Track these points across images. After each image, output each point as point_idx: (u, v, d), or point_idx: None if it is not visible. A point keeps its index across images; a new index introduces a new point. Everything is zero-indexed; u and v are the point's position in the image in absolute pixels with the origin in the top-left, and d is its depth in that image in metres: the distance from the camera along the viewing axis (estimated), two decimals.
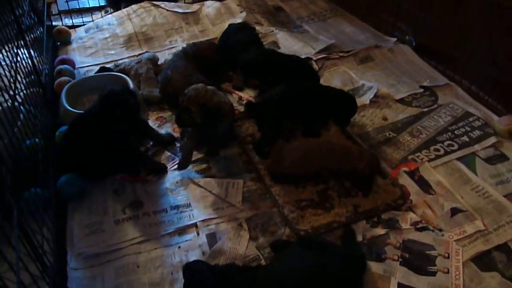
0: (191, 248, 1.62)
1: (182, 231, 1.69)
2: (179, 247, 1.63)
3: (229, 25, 2.77)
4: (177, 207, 1.79)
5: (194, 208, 1.78)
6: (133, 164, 1.94)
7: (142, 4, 3.28)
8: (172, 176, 1.93)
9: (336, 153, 1.82)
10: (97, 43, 3.00)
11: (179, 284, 1.48)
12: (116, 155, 1.85)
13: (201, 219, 1.73)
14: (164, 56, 2.80)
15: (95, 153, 1.82)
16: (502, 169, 1.91)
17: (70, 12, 3.29)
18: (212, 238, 1.66)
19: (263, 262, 1.56)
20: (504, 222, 1.67)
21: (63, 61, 2.65)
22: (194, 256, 1.59)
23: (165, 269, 1.55)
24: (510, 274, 1.50)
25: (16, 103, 1.59)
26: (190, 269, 1.35)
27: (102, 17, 3.28)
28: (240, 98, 2.42)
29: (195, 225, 1.71)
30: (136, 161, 1.95)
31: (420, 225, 1.67)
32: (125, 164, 1.92)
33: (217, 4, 3.29)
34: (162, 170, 1.95)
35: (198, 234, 1.67)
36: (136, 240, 1.65)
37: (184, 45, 2.87)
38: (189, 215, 1.75)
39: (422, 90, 2.43)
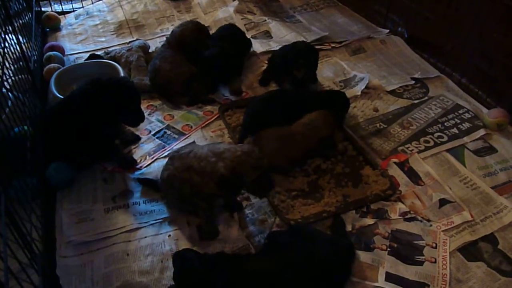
0: (181, 236, 1.63)
1: (172, 220, 1.69)
2: (169, 235, 1.63)
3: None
4: None
5: None
6: (106, 155, 1.92)
7: None
8: (163, 165, 1.92)
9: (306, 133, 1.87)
10: (87, 30, 2.96)
11: (169, 272, 1.49)
12: (93, 144, 1.82)
13: None
14: (155, 44, 2.77)
15: (73, 141, 1.78)
16: (490, 161, 1.93)
17: None
18: (201, 227, 1.65)
19: (252, 250, 1.57)
20: (491, 213, 1.70)
21: (53, 48, 2.62)
22: (184, 244, 1.59)
23: (155, 257, 1.55)
24: (496, 264, 1.53)
25: (4, 90, 1.57)
26: (180, 257, 1.35)
27: (92, 3, 3.23)
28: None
29: (185, 214, 1.71)
30: (109, 153, 1.91)
31: (408, 216, 1.69)
32: (99, 154, 1.90)
33: None
34: (130, 165, 1.92)
35: (188, 223, 1.67)
36: (126, 229, 1.65)
37: None
38: None
39: (413, 82, 2.44)
